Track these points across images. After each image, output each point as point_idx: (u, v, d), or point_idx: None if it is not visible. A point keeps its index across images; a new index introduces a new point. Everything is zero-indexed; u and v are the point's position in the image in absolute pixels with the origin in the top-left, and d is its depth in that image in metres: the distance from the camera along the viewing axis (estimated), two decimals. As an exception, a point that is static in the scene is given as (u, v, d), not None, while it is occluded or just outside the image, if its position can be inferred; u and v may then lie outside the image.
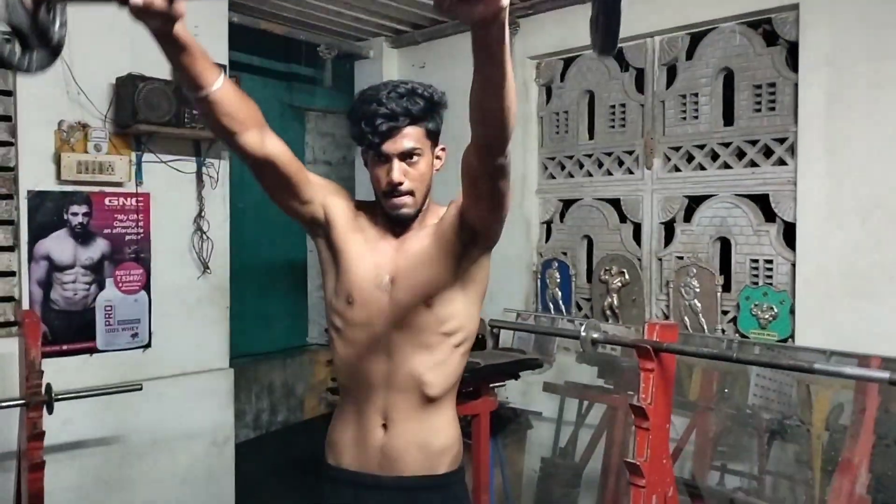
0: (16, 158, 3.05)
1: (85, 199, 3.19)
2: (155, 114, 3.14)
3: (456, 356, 1.67)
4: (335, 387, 4.09)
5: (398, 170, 1.57)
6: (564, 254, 3.49)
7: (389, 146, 1.56)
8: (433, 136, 1.62)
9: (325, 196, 1.67)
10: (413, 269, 1.62)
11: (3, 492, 2.91)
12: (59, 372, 2.81)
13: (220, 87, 1.38)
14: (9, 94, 3.04)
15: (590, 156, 3.39)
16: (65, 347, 3.15)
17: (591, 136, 3.42)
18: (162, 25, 1.20)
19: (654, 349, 2.04)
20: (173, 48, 1.27)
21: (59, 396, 2.62)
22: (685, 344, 2.32)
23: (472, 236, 1.59)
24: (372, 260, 1.64)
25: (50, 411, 2.61)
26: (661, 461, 2.11)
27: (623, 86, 3.27)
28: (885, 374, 1.65)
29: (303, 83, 4.88)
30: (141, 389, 2.90)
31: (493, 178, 1.45)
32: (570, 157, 3.47)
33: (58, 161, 3.10)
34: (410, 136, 1.57)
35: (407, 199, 1.59)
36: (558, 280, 3.44)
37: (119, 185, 3.26)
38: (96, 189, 3.21)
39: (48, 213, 3.11)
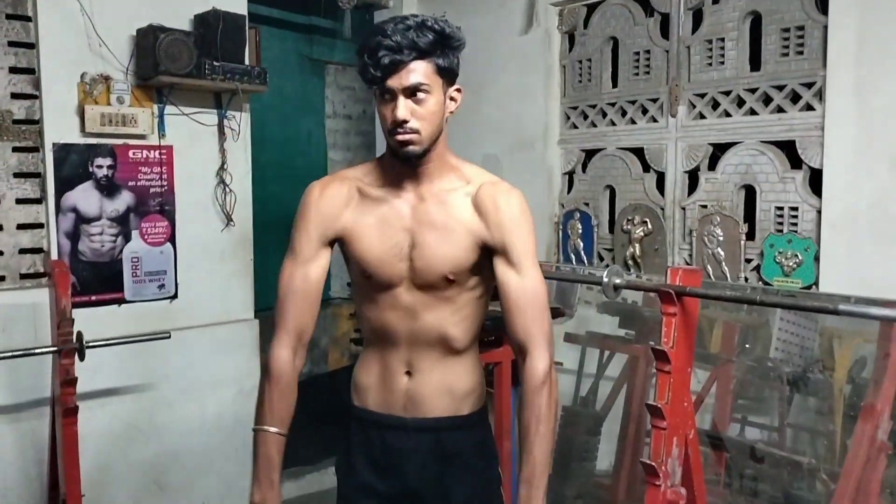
0: (40, 111, 3.07)
1: (109, 151, 3.22)
2: (176, 65, 3.14)
3: (478, 307, 1.67)
4: (359, 338, 4.14)
5: (403, 106, 1.50)
6: (587, 204, 3.47)
7: (394, 81, 1.50)
8: (445, 74, 1.55)
9: (325, 237, 1.65)
10: (434, 242, 1.59)
11: (39, 437, 3.00)
12: (89, 321, 2.86)
13: (279, 431, 1.69)
14: (31, 46, 3.06)
15: (613, 104, 3.35)
16: (93, 298, 3.21)
17: (615, 85, 3.38)
18: None
19: (676, 293, 2.04)
20: None
21: (90, 344, 2.69)
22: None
23: None
24: (388, 231, 1.61)
25: (81, 358, 2.67)
26: (683, 404, 2.12)
27: (648, 31, 3.21)
28: (911, 315, 1.64)
29: (322, 36, 4.83)
30: (169, 337, 2.96)
31: None
32: (593, 107, 3.44)
33: (81, 113, 3.11)
34: (417, 72, 1.49)
35: (412, 136, 1.53)
36: (580, 231, 3.44)
37: (142, 137, 3.28)
38: (120, 142, 3.24)
39: (74, 165, 3.14)
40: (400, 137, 1.53)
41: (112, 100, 3.18)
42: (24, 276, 3.10)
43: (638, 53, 3.25)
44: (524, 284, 1.56)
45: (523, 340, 1.57)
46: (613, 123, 3.36)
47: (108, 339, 2.78)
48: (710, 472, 3.16)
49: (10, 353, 2.70)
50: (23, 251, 3.09)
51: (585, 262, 3.42)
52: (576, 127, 3.52)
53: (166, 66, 3.11)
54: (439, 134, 1.59)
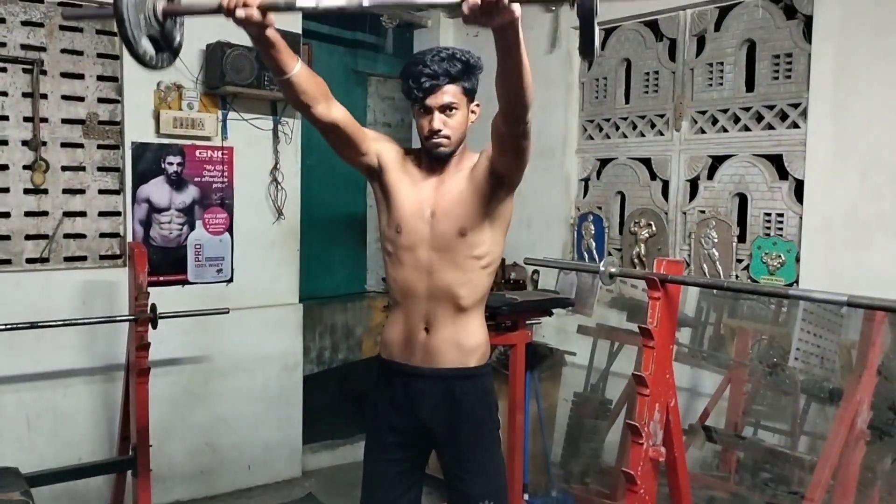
0: (122, 114, 3.55)
1: (179, 150, 3.68)
2: (239, 77, 3.59)
3: (483, 275, 2.07)
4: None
5: (438, 119, 1.95)
6: (599, 208, 3.84)
7: (431, 100, 1.94)
8: (469, 94, 1.99)
9: (378, 147, 2.07)
10: (450, 206, 2.01)
11: (111, 397, 3.45)
12: (157, 298, 3.27)
13: (297, 72, 1.81)
14: (116, 57, 3.53)
15: (625, 119, 3.72)
16: (161, 278, 3.66)
17: (627, 101, 3.74)
18: (257, 31, 1.66)
19: (660, 280, 2.40)
20: (265, 46, 1.73)
21: (162, 315, 3.13)
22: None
23: (499, 181, 1.99)
24: (417, 197, 2.03)
25: (154, 326, 3.11)
26: (665, 376, 2.47)
27: (657, 55, 3.58)
28: (843, 298, 1.99)
29: (366, 50, 5.26)
30: (228, 313, 3.40)
31: (515, 138, 1.87)
32: (608, 120, 3.81)
33: (157, 117, 3.58)
34: (449, 93, 1.94)
35: (444, 141, 1.97)
36: (593, 231, 3.80)
37: (208, 139, 3.74)
38: (188, 142, 3.69)
39: (148, 161, 3.61)
40: (434, 141, 1.98)
41: (183, 105, 3.64)
42: (102, 258, 3.57)
43: (648, 73, 3.62)
44: None
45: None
46: (625, 136, 3.72)
47: (176, 311, 3.22)
48: (723, 469, 3.46)
49: (94, 320, 3.17)
50: (102, 235, 3.56)
51: (597, 259, 3.79)
52: (592, 138, 3.89)
53: (231, 78, 3.57)
54: (463, 138, 2.04)
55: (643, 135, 3.65)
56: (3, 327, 2.83)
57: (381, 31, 4.63)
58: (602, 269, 2.58)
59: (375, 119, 5.45)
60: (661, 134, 3.57)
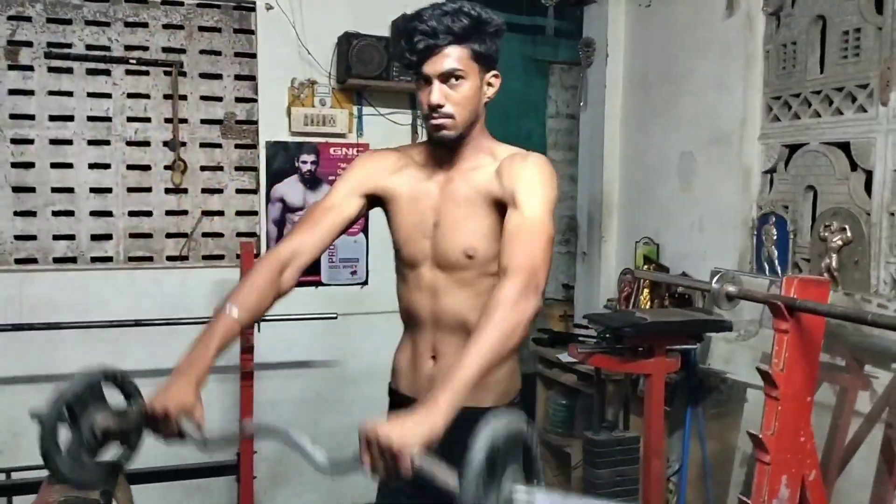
0: (257, 113, 3.53)
1: (313, 148, 3.58)
2: (367, 68, 3.40)
3: None
4: (539, 337, 4.07)
5: (437, 91, 1.54)
6: (786, 207, 3.04)
7: (429, 67, 1.53)
8: (482, 60, 1.56)
9: (362, 188, 1.69)
10: (455, 219, 1.60)
11: (234, 396, 3.44)
12: (290, 299, 3.17)
13: (238, 317, 1.47)
14: (253, 56, 3.52)
15: (818, 92, 2.90)
16: (294, 279, 3.58)
17: (822, 70, 2.92)
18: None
19: (787, 307, 1.74)
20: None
21: (266, 318, 3.02)
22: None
23: None
24: (417, 207, 1.65)
25: (258, 329, 3.03)
26: (797, 438, 1.81)
27: (859, 6, 2.73)
28: None
29: (548, 35, 4.83)
30: (336, 318, 3.23)
31: None
32: (797, 96, 3.00)
33: (289, 114, 3.51)
34: (451, 57, 1.52)
35: (446, 121, 1.56)
36: (775, 237, 3.03)
37: (342, 136, 3.60)
38: (322, 140, 3.59)
39: (282, 160, 3.56)
40: (434, 122, 1.57)
41: (315, 102, 3.53)
42: (239, 257, 3.56)
43: (847, 32, 2.77)
44: (522, 220, 1.48)
45: (504, 266, 1.44)
46: (818, 114, 2.90)
47: (280, 315, 3.09)
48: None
49: (190, 320, 3.15)
50: (239, 234, 3.57)
51: (779, 272, 3.01)
52: (778, 119, 3.10)
53: (357, 70, 3.38)
54: (476, 119, 1.61)
55: (840, 112, 2.81)
56: (102, 323, 2.90)
57: (565, 12, 4.17)
58: (715, 287, 1.96)
59: (557, 111, 5.01)
60: (864, 110, 2.71)
